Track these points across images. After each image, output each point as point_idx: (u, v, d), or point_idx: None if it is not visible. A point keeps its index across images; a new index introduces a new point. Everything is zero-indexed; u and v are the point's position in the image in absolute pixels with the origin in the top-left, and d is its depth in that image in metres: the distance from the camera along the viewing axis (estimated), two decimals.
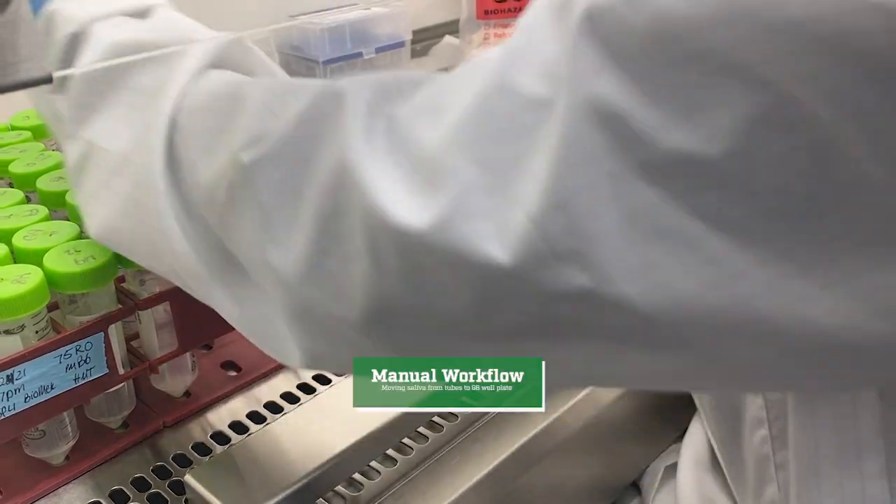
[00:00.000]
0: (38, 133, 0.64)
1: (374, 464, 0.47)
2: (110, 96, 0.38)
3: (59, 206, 0.52)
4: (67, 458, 0.48)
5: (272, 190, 0.30)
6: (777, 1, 0.21)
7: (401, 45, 1.02)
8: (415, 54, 1.09)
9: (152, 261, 0.38)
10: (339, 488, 0.46)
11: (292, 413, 0.47)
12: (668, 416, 0.63)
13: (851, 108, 0.21)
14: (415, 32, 1.05)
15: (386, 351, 0.30)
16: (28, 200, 0.54)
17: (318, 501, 0.44)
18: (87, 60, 0.37)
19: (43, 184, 0.53)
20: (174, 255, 0.35)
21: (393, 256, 0.27)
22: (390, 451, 0.48)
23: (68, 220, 0.50)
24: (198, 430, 0.52)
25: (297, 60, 0.97)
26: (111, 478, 0.48)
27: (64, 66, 0.38)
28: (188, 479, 0.41)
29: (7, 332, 0.43)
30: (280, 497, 0.40)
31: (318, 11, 0.99)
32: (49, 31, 0.38)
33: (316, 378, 0.56)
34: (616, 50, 0.23)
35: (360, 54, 0.98)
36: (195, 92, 0.35)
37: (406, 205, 0.26)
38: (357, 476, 0.47)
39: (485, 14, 1.00)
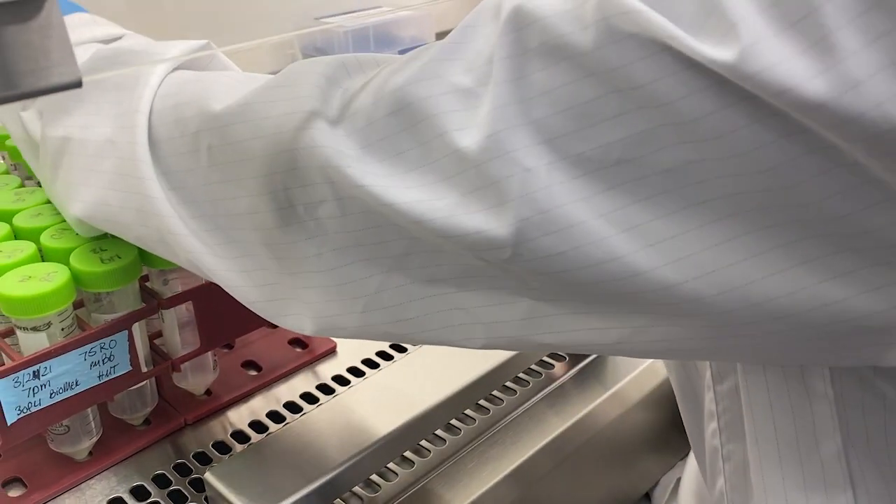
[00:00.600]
0: None
1: (391, 465, 0.48)
2: (85, 97, 0.42)
3: None
4: (91, 453, 0.49)
5: (242, 146, 0.34)
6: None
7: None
8: None
9: (140, 228, 0.39)
10: (357, 489, 0.46)
11: (312, 413, 0.47)
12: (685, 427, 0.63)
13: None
14: (438, 34, 1.05)
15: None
16: None
17: (335, 501, 0.44)
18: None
19: None
20: (159, 217, 0.37)
21: (354, 203, 0.31)
22: (408, 453, 0.49)
23: None
24: (218, 429, 0.53)
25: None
26: (133, 474, 0.49)
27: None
28: (208, 476, 0.41)
29: (34, 329, 0.43)
30: (298, 496, 0.40)
31: (343, 14, 0.99)
32: None
33: (335, 379, 0.56)
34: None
35: None
36: (168, 81, 0.39)
37: (360, 166, 0.30)
38: (374, 477, 0.47)
39: None
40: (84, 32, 0.46)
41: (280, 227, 0.34)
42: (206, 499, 0.45)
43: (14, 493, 0.47)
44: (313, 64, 0.33)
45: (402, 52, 1.03)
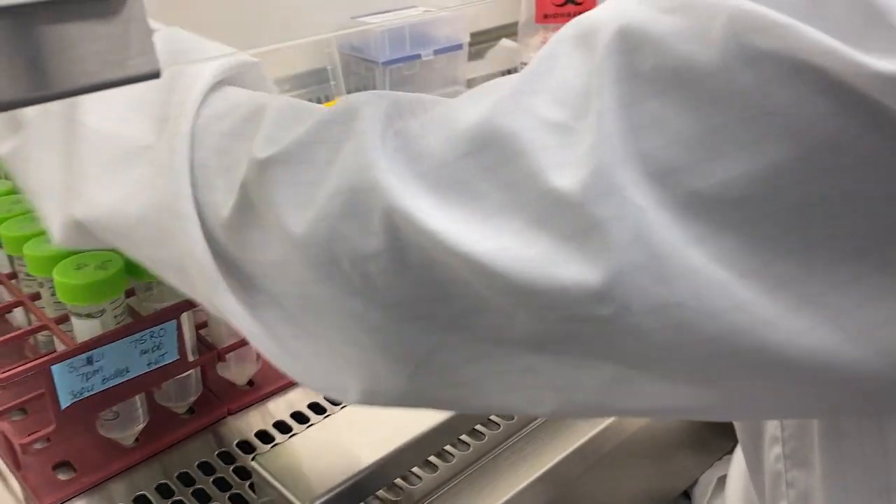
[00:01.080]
0: None
1: (432, 459, 0.48)
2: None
3: None
4: (137, 440, 0.50)
5: (285, 189, 0.30)
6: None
7: (458, 47, 1.03)
8: (471, 57, 1.10)
9: (156, 248, 0.35)
10: (399, 481, 0.47)
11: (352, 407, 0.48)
12: (722, 426, 0.63)
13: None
14: (472, 35, 1.05)
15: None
16: None
17: (379, 492, 0.45)
18: None
19: None
20: (187, 241, 0.33)
21: (420, 253, 0.27)
22: (448, 447, 0.49)
23: None
24: (259, 419, 0.53)
25: (358, 61, 0.99)
26: (178, 461, 0.50)
27: None
28: (255, 464, 0.42)
29: (89, 315, 0.45)
30: (344, 485, 0.41)
31: (379, 13, 1.00)
32: None
33: None
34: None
35: (418, 56, 0.99)
36: (216, 98, 0.35)
37: (432, 212, 0.26)
38: (416, 469, 0.47)
39: (544, 18, 1.00)
40: None
41: (319, 281, 0.29)
42: (251, 486, 0.46)
43: (64, 476, 0.48)
44: (364, 104, 0.29)
45: (438, 51, 1.03)
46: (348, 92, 0.98)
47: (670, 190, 0.23)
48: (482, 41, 1.16)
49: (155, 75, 0.27)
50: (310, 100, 1.00)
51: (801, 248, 0.23)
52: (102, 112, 0.37)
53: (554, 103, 0.25)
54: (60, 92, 0.26)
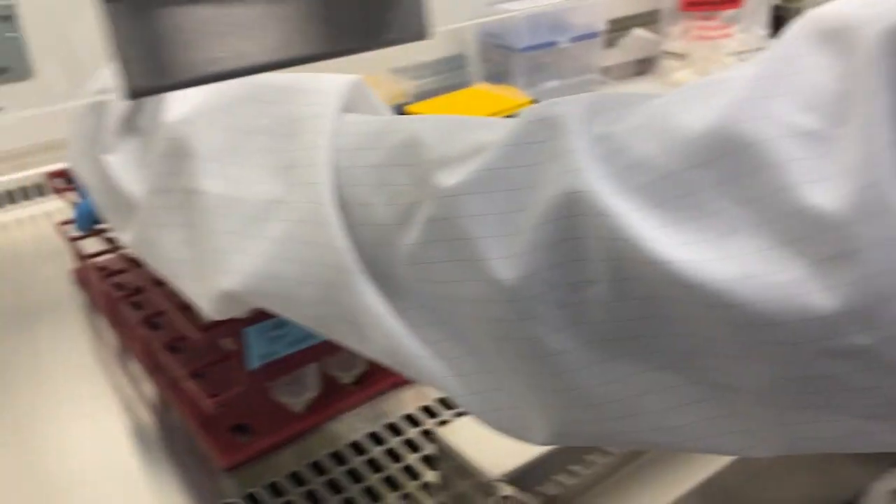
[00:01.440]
0: None
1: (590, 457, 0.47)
2: (217, 142, 0.35)
3: None
4: (308, 407, 0.51)
5: (482, 220, 0.27)
6: None
7: (594, 35, 1.01)
8: (604, 45, 1.09)
9: (321, 306, 0.33)
10: (590, 457, 0.46)
11: None
12: None
13: None
14: (609, 23, 1.04)
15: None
16: None
17: (571, 467, 0.44)
18: (184, 97, 0.36)
19: None
20: (353, 294, 0.31)
21: (641, 286, 0.24)
22: None
23: None
24: (423, 393, 0.54)
25: (493, 48, 0.99)
26: (348, 429, 0.50)
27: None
28: (440, 433, 0.42)
29: None
30: (528, 462, 0.40)
31: (516, 0, 1.00)
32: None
33: None
34: None
35: (555, 43, 0.98)
36: (349, 131, 0.33)
37: (659, 241, 0.24)
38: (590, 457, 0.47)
39: (689, 6, 0.97)
40: None
41: (521, 318, 0.27)
42: (426, 459, 0.47)
43: (241, 438, 0.50)
44: (561, 116, 0.27)
45: (574, 39, 1.01)
46: (484, 79, 0.98)
47: None
48: (615, 30, 1.13)
49: (420, 37, 0.27)
50: (446, 88, 1.00)
51: None
52: (217, 177, 0.35)
53: (803, 109, 0.23)
54: (322, 53, 0.27)
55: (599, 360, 0.26)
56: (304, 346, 0.47)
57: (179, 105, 0.36)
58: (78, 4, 0.79)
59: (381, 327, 0.31)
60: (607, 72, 1.06)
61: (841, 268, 0.21)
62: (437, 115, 0.32)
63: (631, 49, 1.11)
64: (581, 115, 0.26)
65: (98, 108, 0.44)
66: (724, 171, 0.23)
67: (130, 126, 0.40)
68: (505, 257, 0.27)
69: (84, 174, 0.43)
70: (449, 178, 0.28)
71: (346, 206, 0.31)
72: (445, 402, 0.52)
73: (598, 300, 0.25)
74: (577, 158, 0.25)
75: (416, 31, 0.27)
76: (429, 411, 0.52)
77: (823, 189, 0.22)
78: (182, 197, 0.36)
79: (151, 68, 0.22)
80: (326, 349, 0.48)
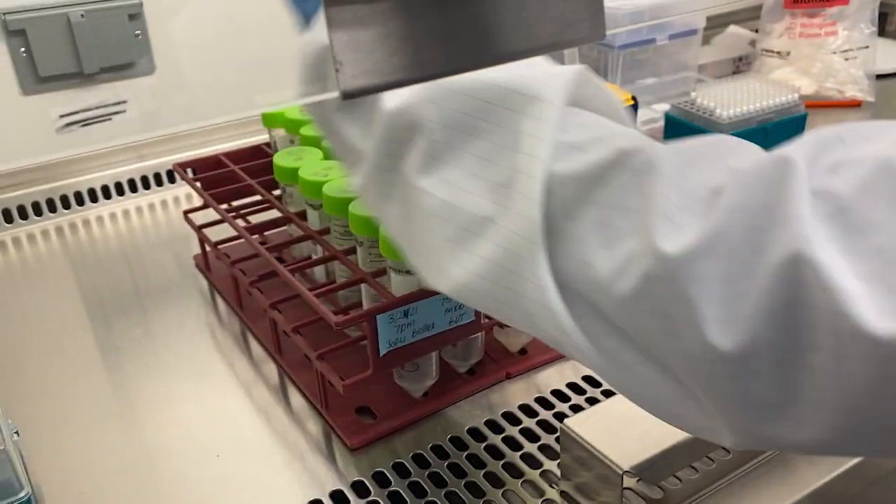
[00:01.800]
0: None
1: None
2: (450, 137, 0.35)
3: None
4: (426, 394, 0.53)
5: (704, 284, 0.27)
6: None
7: (693, 32, 1.00)
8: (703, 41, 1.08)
9: (520, 321, 0.34)
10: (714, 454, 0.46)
11: None
12: None
13: None
14: (707, 19, 1.03)
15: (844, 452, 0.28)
16: None
17: (695, 464, 0.45)
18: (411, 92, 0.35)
19: None
20: (556, 327, 0.32)
21: (861, 363, 0.24)
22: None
23: None
24: (533, 387, 0.55)
25: (590, 45, 0.99)
26: (464, 417, 0.52)
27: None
28: (566, 425, 0.44)
29: (408, 272, 0.48)
30: (652, 456, 0.41)
31: None
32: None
33: None
34: None
35: (653, 40, 0.98)
36: (567, 152, 0.32)
37: (879, 308, 0.23)
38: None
39: (794, 3, 0.96)
40: None
41: (734, 377, 0.28)
42: (542, 448, 0.48)
43: (365, 420, 0.52)
44: (784, 173, 0.26)
45: (673, 36, 1.00)
46: None
47: None
48: (710, 27, 1.12)
49: (599, 37, 0.28)
50: None
51: None
52: (436, 177, 0.35)
53: None
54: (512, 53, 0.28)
55: (826, 432, 0.26)
56: (428, 334, 0.49)
57: (402, 94, 0.36)
58: (195, 3, 0.83)
59: (581, 353, 0.32)
60: (703, 69, 1.04)
61: None
62: (678, 149, 0.31)
63: (726, 46, 1.09)
64: (807, 166, 0.26)
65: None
66: None
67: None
68: (724, 321, 0.27)
69: (329, 135, 0.42)
70: (674, 240, 0.28)
71: (555, 236, 0.32)
72: (560, 395, 0.54)
73: (822, 368, 0.25)
74: (802, 225, 0.25)
75: (595, 31, 0.28)
76: (544, 402, 0.53)
77: None
78: (402, 183, 0.37)
79: (363, 71, 0.24)
80: (448, 338, 0.50)
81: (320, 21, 0.39)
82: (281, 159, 0.59)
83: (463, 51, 0.26)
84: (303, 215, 0.60)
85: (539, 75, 0.34)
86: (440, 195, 0.35)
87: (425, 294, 0.47)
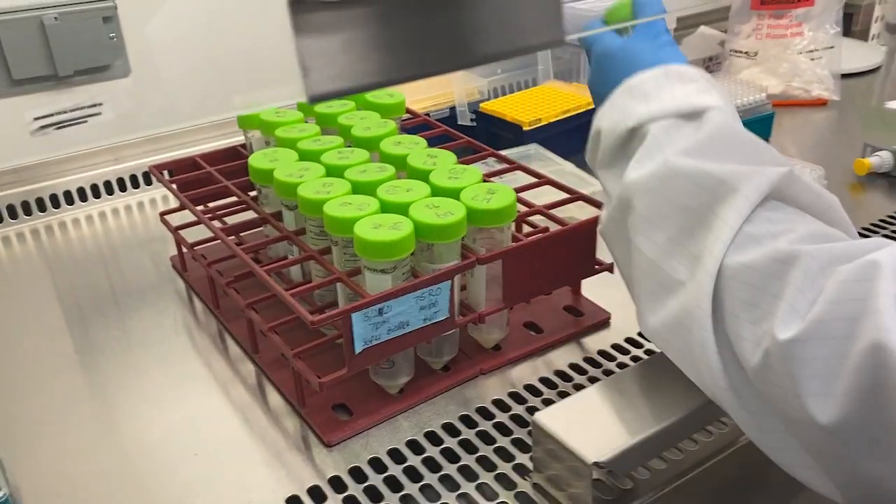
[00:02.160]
0: (384, 111, 0.69)
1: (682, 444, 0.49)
2: (660, 205, 0.43)
3: (400, 168, 0.59)
4: (402, 390, 0.54)
5: (807, 365, 0.34)
6: None
7: None
8: None
9: (689, 372, 0.43)
10: (685, 444, 0.48)
11: (620, 374, 0.49)
12: None
13: None
14: (678, 20, 1.04)
15: None
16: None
17: (665, 453, 0.46)
18: (638, 159, 0.45)
19: (387, 147, 0.60)
20: (714, 383, 0.41)
21: None
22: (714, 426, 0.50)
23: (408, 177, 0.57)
24: (506, 383, 0.56)
25: (564, 47, 1.00)
26: (439, 412, 0.53)
27: (618, 153, 0.47)
28: (538, 417, 0.45)
29: (382, 271, 0.49)
30: (628, 445, 0.43)
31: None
32: (610, 117, 0.47)
33: (615, 347, 0.58)
34: None
35: None
36: (745, 241, 0.40)
37: None
38: (699, 436, 0.49)
39: (760, 4, 0.98)
40: (668, 100, 0.45)
41: (832, 446, 0.35)
42: (515, 442, 0.49)
43: (342, 417, 0.53)
44: (875, 275, 0.34)
45: None
46: (554, 77, 0.99)
47: None
48: (682, 27, 1.14)
49: (558, 43, 0.29)
50: (517, 85, 1.02)
51: None
52: (647, 237, 0.44)
53: None
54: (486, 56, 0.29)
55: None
56: (402, 332, 0.50)
57: (638, 168, 0.45)
58: (170, 6, 0.83)
59: (730, 406, 0.41)
60: None
61: None
62: (814, 249, 0.37)
63: (696, 47, 1.11)
64: (893, 269, 0.33)
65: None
66: None
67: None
68: (823, 395, 0.34)
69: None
70: (789, 325, 0.35)
71: (722, 311, 0.40)
72: (532, 390, 0.55)
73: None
74: (885, 318, 0.32)
75: (554, 36, 0.29)
76: (517, 397, 0.54)
77: None
78: (625, 237, 0.46)
79: (329, 76, 0.25)
80: (423, 336, 0.51)
81: None
82: (256, 161, 0.60)
83: (425, 57, 0.27)
84: (279, 216, 0.60)
85: (746, 171, 0.41)
86: (648, 254, 0.44)
87: (399, 292, 0.48)
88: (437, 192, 0.54)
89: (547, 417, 0.45)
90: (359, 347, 0.49)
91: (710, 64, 1.10)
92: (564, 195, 0.62)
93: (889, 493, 0.34)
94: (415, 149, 0.60)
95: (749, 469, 0.50)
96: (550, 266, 0.57)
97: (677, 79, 0.46)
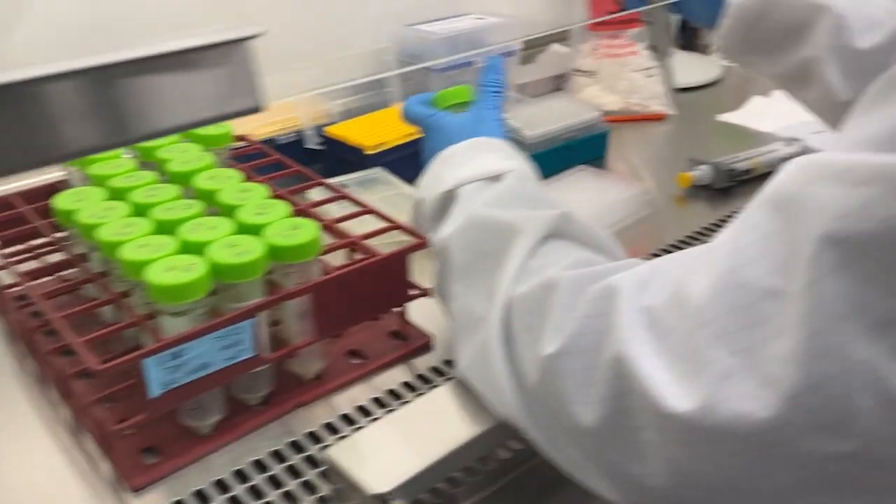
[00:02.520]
0: (209, 142, 0.69)
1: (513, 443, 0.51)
2: (467, 254, 0.50)
3: (212, 203, 0.59)
4: (215, 429, 0.54)
5: (569, 375, 0.39)
6: None
7: (512, 53, 1.05)
8: (523, 61, 1.13)
9: (488, 399, 0.47)
10: (473, 464, 0.49)
11: (421, 399, 0.51)
12: None
13: None
14: (525, 41, 1.08)
15: None
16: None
17: (453, 475, 0.48)
18: (451, 217, 0.52)
19: (200, 182, 0.60)
20: (508, 405, 0.44)
21: (671, 433, 0.34)
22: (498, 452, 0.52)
23: (220, 215, 0.56)
24: (327, 411, 0.57)
25: (416, 67, 1.02)
26: (253, 449, 0.53)
27: (437, 216, 0.55)
28: (331, 452, 0.46)
29: (176, 314, 0.49)
30: (415, 473, 0.44)
31: (434, 21, 1.03)
32: (427, 185, 0.56)
33: (433, 370, 0.60)
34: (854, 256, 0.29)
35: (471, 63, 1.02)
36: (527, 274, 0.45)
37: (673, 391, 0.34)
38: (474, 464, 0.50)
39: (596, 25, 1.02)
40: (473, 168, 0.54)
41: (597, 449, 0.39)
42: (324, 474, 0.50)
43: (151, 460, 0.52)
44: (616, 301, 0.38)
45: (495, 58, 1.05)
46: (404, 99, 1.01)
47: (880, 341, 0.28)
48: (534, 45, 1.18)
49: (256, 110, 0.30)
50: (367, 107, 1.03)
51: None
52: (459, 286, 0.50)
53: (770, 273, 0.31)
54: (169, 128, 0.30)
55: (670, 485, 0.36)
56: (203, 373, 0.50)
57: (449, 225, 0.53)
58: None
59: (523, 426, 0.45)
60: (523, 88, 1.10)
61: (812, 402, 0.30)
62: (581, 274, 0.42)
63: (548, 66, 1.15)
64: (633, 290, 0.38)
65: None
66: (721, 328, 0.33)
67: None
68: (582, 403, 0.38)
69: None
70: (553, 341, 0.40)
71: (512, 341, 0.45)
72: (348, 419, 0.56)
73: (649, 440, 0.36)
74: (625, 332, 0.36)
75: (256, 102, 0.30)
76: (332, 428, 0.55)
77: (785, 338, 0.30)
78: (447, 295, 0.53)
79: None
80: (227, 375, 0.51)
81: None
82: (61, 201, 0.59)
83: (117, 128, 0.27)
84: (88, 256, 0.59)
85: (530, 214, 0.48)
86: (460, 299, 0.50)
87: (195, 334, 0.48)
88: (242, 228, 0.54)
89: (337, 451, 0.46)
90: (157, 391, 0.48)
91: (560, 82, 1.14)
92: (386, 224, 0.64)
93: (654, 490, 0.37)
94: (228, 183, 0.60)
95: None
96: (362, 297, 0.58)
97: (485, 149, 0.56)
